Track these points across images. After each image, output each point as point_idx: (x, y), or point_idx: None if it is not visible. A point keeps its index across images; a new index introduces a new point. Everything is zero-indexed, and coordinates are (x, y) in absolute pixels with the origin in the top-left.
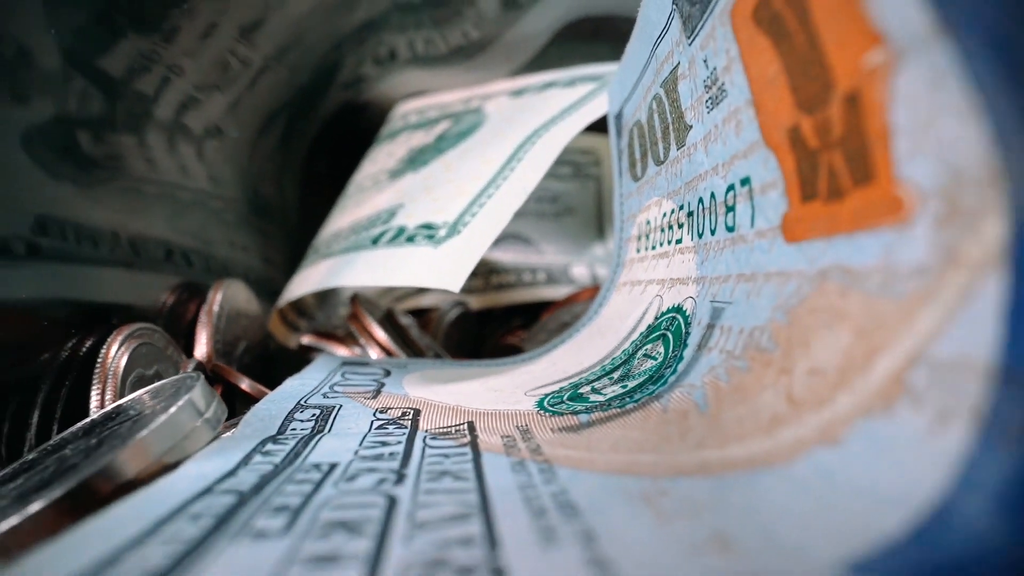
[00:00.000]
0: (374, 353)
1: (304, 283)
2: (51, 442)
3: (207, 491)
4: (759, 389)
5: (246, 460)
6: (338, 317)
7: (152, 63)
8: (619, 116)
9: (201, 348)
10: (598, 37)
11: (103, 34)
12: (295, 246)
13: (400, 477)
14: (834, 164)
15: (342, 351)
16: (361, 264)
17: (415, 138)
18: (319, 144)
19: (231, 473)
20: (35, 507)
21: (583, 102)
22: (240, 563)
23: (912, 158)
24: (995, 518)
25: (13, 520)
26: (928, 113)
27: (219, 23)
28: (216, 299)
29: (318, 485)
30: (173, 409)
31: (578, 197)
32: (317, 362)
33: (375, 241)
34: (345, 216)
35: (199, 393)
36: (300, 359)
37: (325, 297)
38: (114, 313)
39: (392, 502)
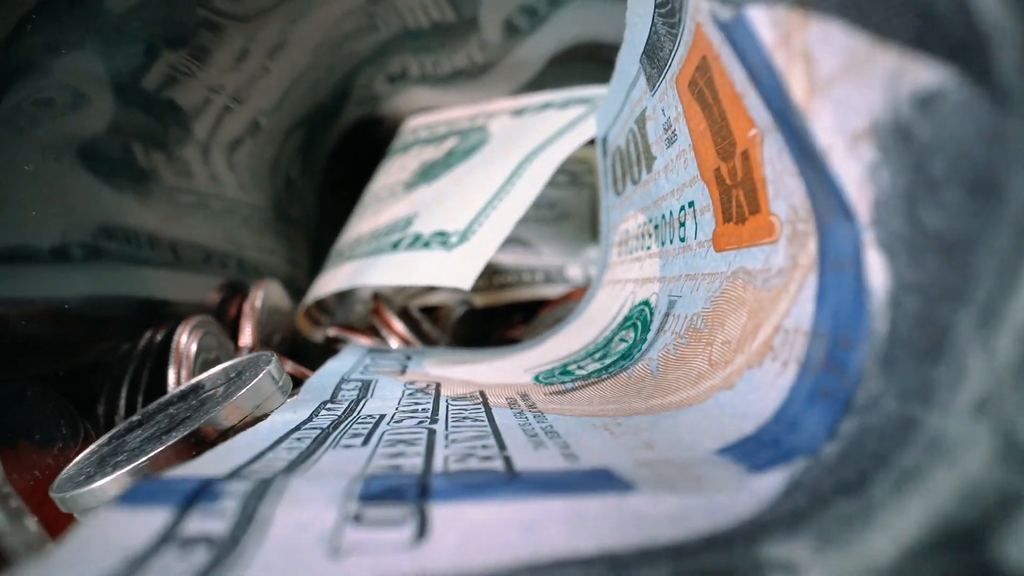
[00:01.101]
0: (394, 343)
1: (331, 282)
2: (149, 408)
3: (296, 429)
4: (692, 357)
5: (315, 413)
6: (355, 313)
7: (194, 84)
8: (605, 140)
9: (246, 338)
10: (590, 60)
11: (150, 61)
12: (315, 249)
13: (434, 420)
14: (739, 198)
15: (365, 341)
16: (383, 266)
17: (426, 152)
18: (336, 155)
19: (308, 420)
20: (171, 440)
21: (575, 124)
22: (341, 458)
23: (775, 199)
24: (801, 414)
25: (157, 449)
26: (779, 171)
27: (250, 48)
28: (258, 296)
29: (375, 425)
30: (259, 377)
31: (574, 204)
32: (348, 349)
33: (395, 246)
34: (365, 223)
35: (274, 367)
36: (324, 350)
37: (344, 296)
38: (167, 309)
39: (431, 432)
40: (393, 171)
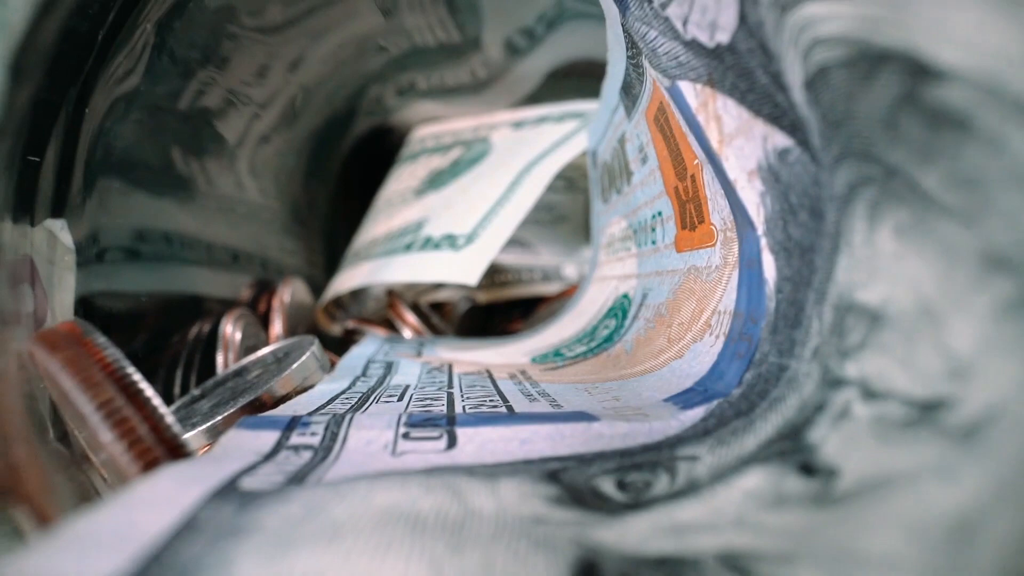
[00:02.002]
0: (407, 333)
1: (349, 280)
2: (207, 384)
3: (342, 393)
4: (657, 337)
5: (352, 384)
6: (367, 309)
7: (225, 98)
8: (594, 153)
9: (277, 329)
10: (583, 75)
11: (186, 79)
12: (330, 249)
13: (450, 387)
14: (691, 210)
15: (380, 332)
16: (397, 265)
17: (433, 161)
18: (349, 161)
19: (348, 388)
20: (239, 404)
21: (569, 137)
22: (384, 407)
23: (713, 213)
24: (723, 371)
25: (230, 411)
26: (714, 192)
27: (272, 64)
28: (286, 292)
29: (404, 391)
30: (305, 356)
31: (570, 207)
32: (368, 338)
33: (408, 247)
34: (379, 226)
35: (316, 348)
36: (342, 342)
37: (358, 293)
38: (208, 303)
39: (450, 394)
40: (403, 178)
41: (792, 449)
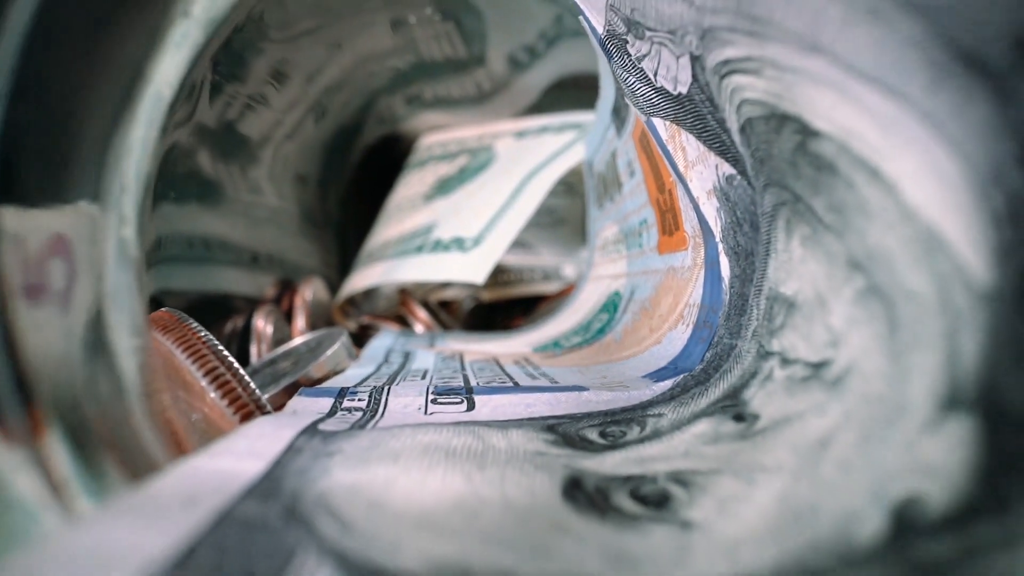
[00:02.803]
0: (419, 328)
1: (364, 279)
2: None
3: (372, 374)
4: (641, 327)
5: (378, 368)
6: (379, 307)
7: (247, 107)
8: (590, 164)
9: (300, 324)
10: (580, 87)
11: (215, 93)
12: (343, 251)
13: (463, 369)
14: (669, 219)
15: (393, 327)
16: (409, 265)
17: (441, 168)
18: (360, 167)
19: (375, 372)
20: (281, 386)
21: (568, 148)
22: (411, 383)
23: (686, 222)
24: (691, 352)
25: (273, 392)
26: (685, 205)
27: (290, 74)
28: (307, 290)
29: (425, 373)
30: (337, 345)
31: (570, 210)
32: (382, 333)
33: (419, 249)
34: (390, 229)
35: (345, 338)
36: (355, 338)
37: (370, 292)
38: (237, 301)
39: (465, 375)
40: (412, 184)
41: (731, 405)
